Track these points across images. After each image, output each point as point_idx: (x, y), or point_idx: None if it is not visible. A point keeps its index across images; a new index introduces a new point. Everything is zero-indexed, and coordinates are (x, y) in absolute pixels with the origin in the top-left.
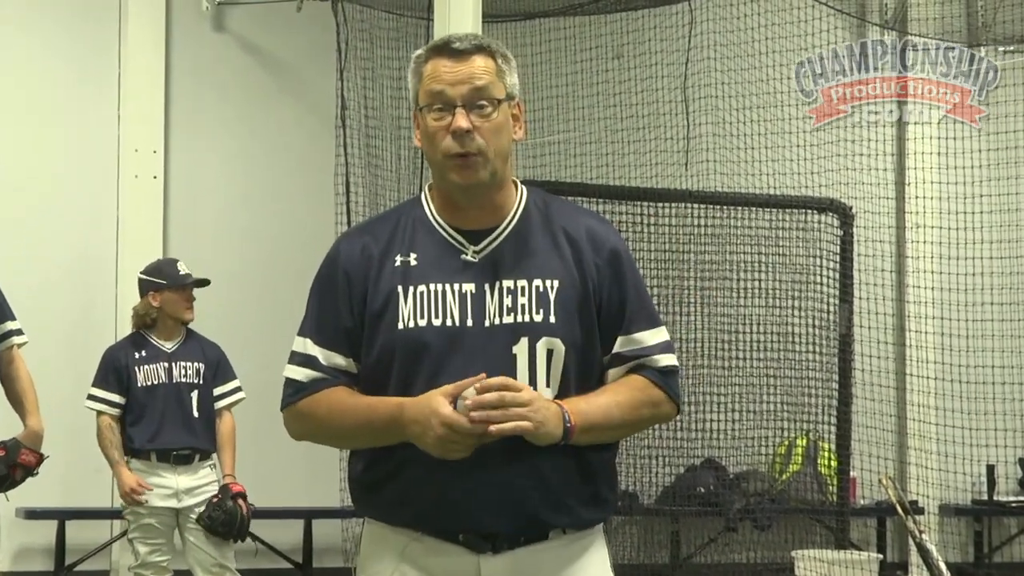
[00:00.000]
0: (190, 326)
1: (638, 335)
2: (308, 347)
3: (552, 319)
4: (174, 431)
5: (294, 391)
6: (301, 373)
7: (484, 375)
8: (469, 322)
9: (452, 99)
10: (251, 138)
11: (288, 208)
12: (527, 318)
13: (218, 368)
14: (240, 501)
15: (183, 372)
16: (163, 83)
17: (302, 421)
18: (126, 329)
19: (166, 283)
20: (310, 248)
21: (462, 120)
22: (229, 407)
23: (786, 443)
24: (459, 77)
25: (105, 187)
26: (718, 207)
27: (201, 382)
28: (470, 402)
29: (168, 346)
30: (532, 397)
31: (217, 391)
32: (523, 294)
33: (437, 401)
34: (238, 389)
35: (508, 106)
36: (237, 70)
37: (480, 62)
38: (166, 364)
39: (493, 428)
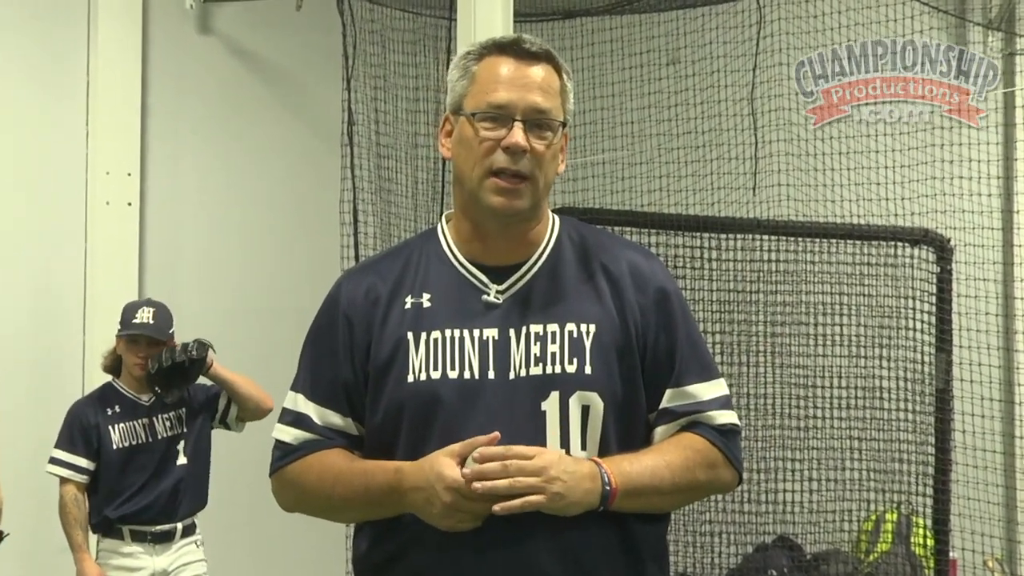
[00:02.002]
0: None
1: (691, 388)
2: (300, 404)
3: (587, 369)
4: (154, 502)
5: (282, 454)
6: (291, 434)
7: (498, 435)
8: (491, 374)
9: (512, 111)
10: (242, 159)
11: (286, 241)
12: (558, 368)
13: (206, 400)
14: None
15: (167, 425)
16: (139, 94)
17: (290, 489)
18: (95, 382)
19: (119, 329)
20: (311, 288)
21: (520, 136)
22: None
23: (873, 518)
24: (524, 86)
25: (71, 215)
26: (792, 239)
27: (185, 429)
28: (469, 471)
29: (145, 398)
30: (547, 463)
31: (220, 414)
32: (553, 341)
33: (442, 463)
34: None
35: (562, 133)
36: (226, 79)
37: (547, 75)
38: (145, 420)
39: (497, 508)
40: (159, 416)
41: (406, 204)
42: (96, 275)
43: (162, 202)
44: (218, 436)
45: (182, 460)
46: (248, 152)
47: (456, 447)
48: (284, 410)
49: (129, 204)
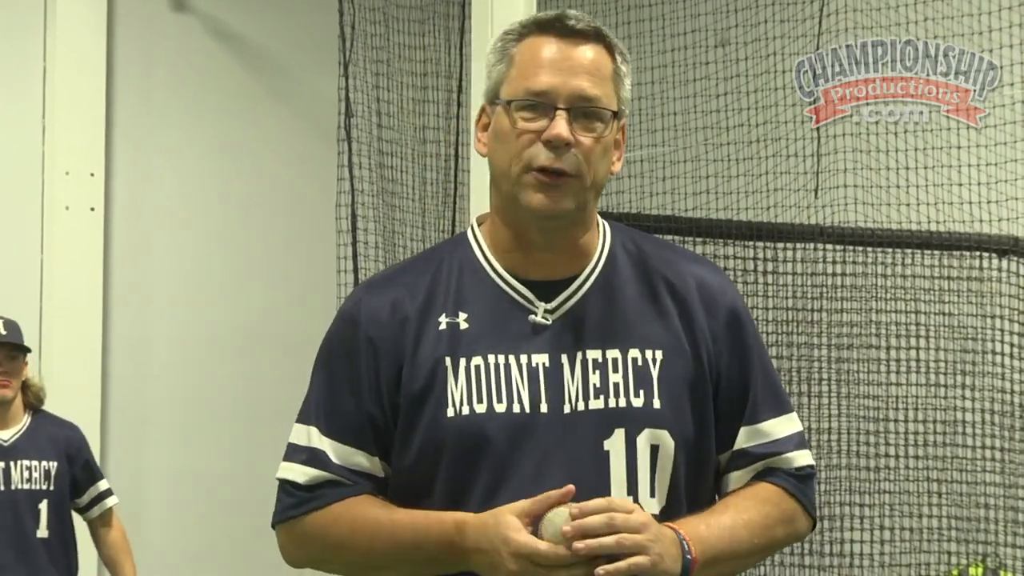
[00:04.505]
0: (44, 406)
1: (766, 425)
2: (314, 439)
3: (656, 403)
4: (6, 562)
5: (296, 501)
6: (305, 474)
7: (572, 488)
8: (543, 407)
9: (554, 98)
10: (224, 158)
11: (275, 253)
12: (623, 402)
13: (83, 464)
14: None
15: (25, 475)
16: (104, 83)
17: (309, 544)
18: (52, 406)
19: None
20: (304, 308)
21: (562, 127)
22: (107, 516)
23: (955, 573)
24: (569, 69)
25: (25, 222)
26: (859, 249)
27: (52, 488)
28: (568, 528)
29: (4, 437)
30: (647, 520)
31: (87, 497)
32: (615, 369)
33: (507, 522)
34: (110, 491)
35: (616, 126)
36: (205, 64)
37: (597, 56)
38: (1, 464)
39: (601, 571)
40: (18, 462)
41: (413, 208)
42: (53, 291)
43: (130, 207)
44: (188, 460)
45: (42, 532)
46: (230, 149)
47: (525, 505)
48: (291, 447)
49: (92, 209)
